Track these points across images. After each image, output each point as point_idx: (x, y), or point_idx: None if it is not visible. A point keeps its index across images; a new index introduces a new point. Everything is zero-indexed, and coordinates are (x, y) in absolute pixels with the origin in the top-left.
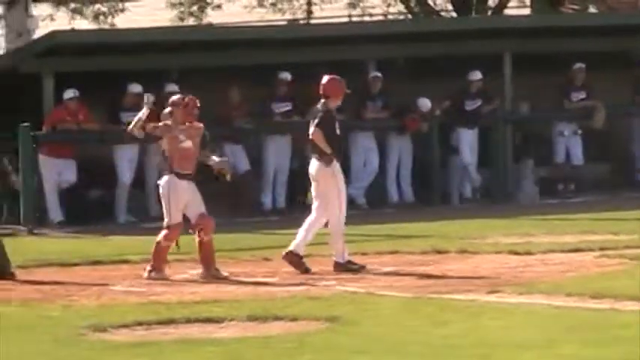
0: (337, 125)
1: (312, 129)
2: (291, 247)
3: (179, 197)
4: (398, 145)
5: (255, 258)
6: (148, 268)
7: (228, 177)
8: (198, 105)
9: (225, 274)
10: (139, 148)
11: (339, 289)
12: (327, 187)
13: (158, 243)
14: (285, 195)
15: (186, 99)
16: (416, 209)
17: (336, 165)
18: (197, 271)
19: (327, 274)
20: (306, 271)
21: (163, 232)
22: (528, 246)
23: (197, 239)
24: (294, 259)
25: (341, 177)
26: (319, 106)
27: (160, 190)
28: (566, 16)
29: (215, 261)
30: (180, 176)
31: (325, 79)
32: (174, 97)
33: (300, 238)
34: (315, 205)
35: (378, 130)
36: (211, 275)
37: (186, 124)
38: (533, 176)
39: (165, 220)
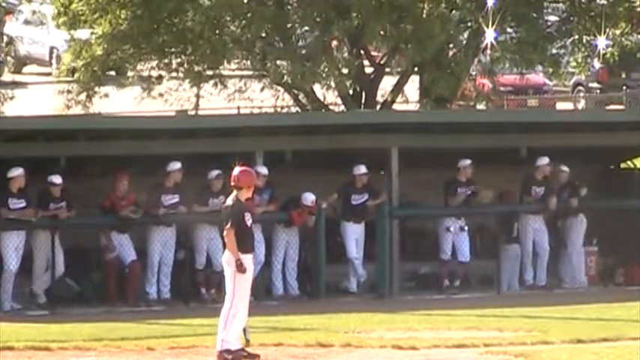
0: (248, 216)
1: (227, 227)
2: (218, 348)
3: None
4: (285, 238)
5: (138, 347)
6: None
7: None
8: None
9: None
10: (26, 235)
11: None
12: (228, 277)
13: None
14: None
15: None
16: (301, 302)
17: (244, 261)
18: None
19: None
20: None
21: None
22: (412, 341)
23: None
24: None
25: (243, 276)
26: (230, 200)
27: None
28: (454, 112)
29: None
30: None
31: (237, 170)
32: None
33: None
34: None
35: (264, 223)
36: None
37: None
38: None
39: None
